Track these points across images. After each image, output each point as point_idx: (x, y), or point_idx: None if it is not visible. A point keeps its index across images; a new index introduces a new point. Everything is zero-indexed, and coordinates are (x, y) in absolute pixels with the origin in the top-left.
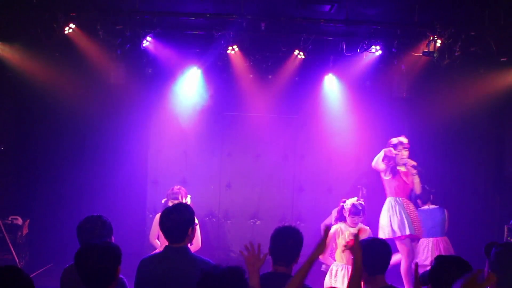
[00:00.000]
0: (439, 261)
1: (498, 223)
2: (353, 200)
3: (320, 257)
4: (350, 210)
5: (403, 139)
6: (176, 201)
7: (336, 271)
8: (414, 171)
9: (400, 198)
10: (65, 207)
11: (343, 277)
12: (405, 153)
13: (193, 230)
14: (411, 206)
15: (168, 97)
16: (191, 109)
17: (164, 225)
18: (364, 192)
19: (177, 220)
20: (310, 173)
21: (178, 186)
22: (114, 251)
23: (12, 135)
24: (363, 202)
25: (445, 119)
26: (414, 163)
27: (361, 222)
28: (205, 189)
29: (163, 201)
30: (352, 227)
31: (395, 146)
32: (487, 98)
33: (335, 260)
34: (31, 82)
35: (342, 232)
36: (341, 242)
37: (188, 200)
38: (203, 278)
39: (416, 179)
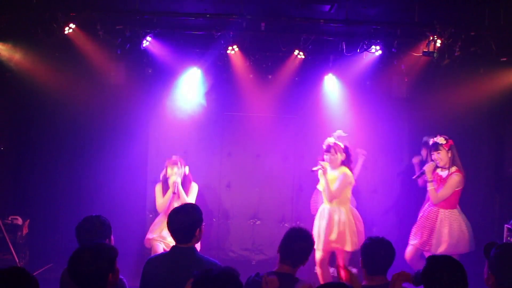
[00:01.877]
0: (431, 261)
1: (498, 223)
2: (330, 139)
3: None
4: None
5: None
6: (175, 168)
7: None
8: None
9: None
10: (65, 207)
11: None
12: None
13: (201, 231)
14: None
15: (168, 97)
16: (191, 109)
17: (171, 226)
18: (365, 155)
19: (185, 221)
20: (310, 173)
21: (176, 155)
22: (107, 254)
23: (12, 135)
24: (341, 144)
25: (445, 119)
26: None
27: (344, 165)
28: (205, 189)
29: (161, 174)
30: (332, 167)
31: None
32: (487, 98)
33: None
34: (31, 82)
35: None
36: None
37: (186, 170)
38: (195, 284)
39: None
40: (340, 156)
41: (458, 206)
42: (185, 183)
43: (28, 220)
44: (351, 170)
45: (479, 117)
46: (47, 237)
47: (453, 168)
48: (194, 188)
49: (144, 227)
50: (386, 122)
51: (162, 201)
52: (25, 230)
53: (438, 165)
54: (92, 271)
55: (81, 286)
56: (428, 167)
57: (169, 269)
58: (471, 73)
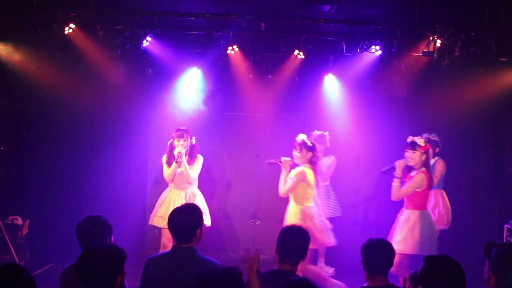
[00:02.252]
0: (429, 261)
1: (498, 223)
2: (301, 136)
3: None
4: None
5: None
6: (181, 140)
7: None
8: None
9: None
10: (65, 207)
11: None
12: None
13: (202, 231)
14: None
15: (168, 97)
16: (191, 109)
17: (172, 225)
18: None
19: (185, 221)
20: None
21: (183, 127)
22: (117, 256)
23: (12, 135)
24: (308, 142)
25: (445, 119)
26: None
27: (310, 164)
28: (205, 189)
29: (168, 143)
30: (299, 163)
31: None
32: (487, 98)
33: None
34: (31, 82)
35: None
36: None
37: (193, 140)
38: (198, 282)
39: None
40: (307, 154)
41: (422, 209)
42: (193, 153)
43: (28, 220)
44: (315, 169)
45: (479, 117)
46: (47, 237)
47: (422, 169)
48: (200, 159)
49: (144, 227)
50: (386, 122)
51: (168, 172)
52: (25, 230)
53: (408, 163)
54: (101, 272)
55: (89, 287)
56: (398, 163)
57: (169, 269)
58: (471, 73)
